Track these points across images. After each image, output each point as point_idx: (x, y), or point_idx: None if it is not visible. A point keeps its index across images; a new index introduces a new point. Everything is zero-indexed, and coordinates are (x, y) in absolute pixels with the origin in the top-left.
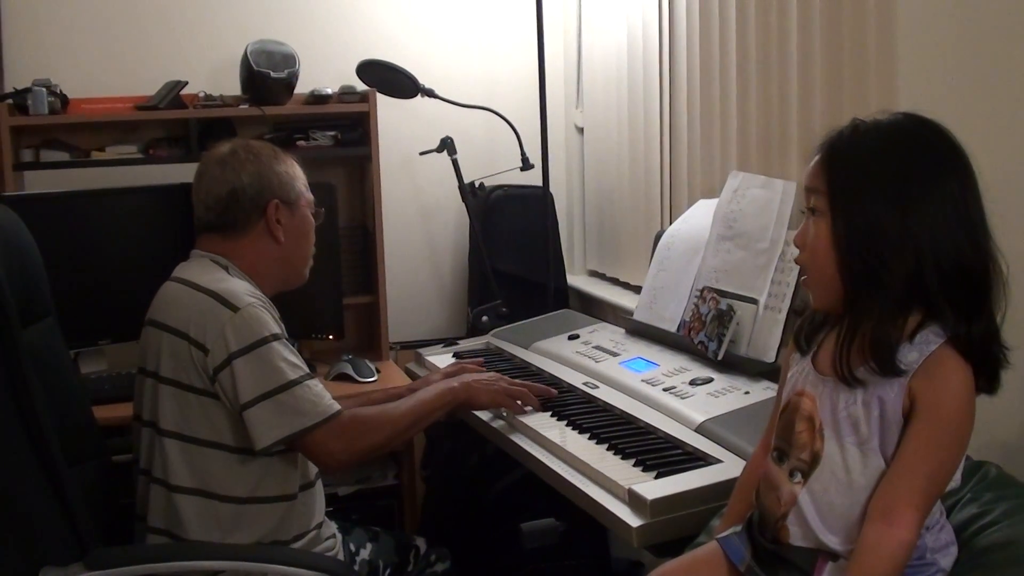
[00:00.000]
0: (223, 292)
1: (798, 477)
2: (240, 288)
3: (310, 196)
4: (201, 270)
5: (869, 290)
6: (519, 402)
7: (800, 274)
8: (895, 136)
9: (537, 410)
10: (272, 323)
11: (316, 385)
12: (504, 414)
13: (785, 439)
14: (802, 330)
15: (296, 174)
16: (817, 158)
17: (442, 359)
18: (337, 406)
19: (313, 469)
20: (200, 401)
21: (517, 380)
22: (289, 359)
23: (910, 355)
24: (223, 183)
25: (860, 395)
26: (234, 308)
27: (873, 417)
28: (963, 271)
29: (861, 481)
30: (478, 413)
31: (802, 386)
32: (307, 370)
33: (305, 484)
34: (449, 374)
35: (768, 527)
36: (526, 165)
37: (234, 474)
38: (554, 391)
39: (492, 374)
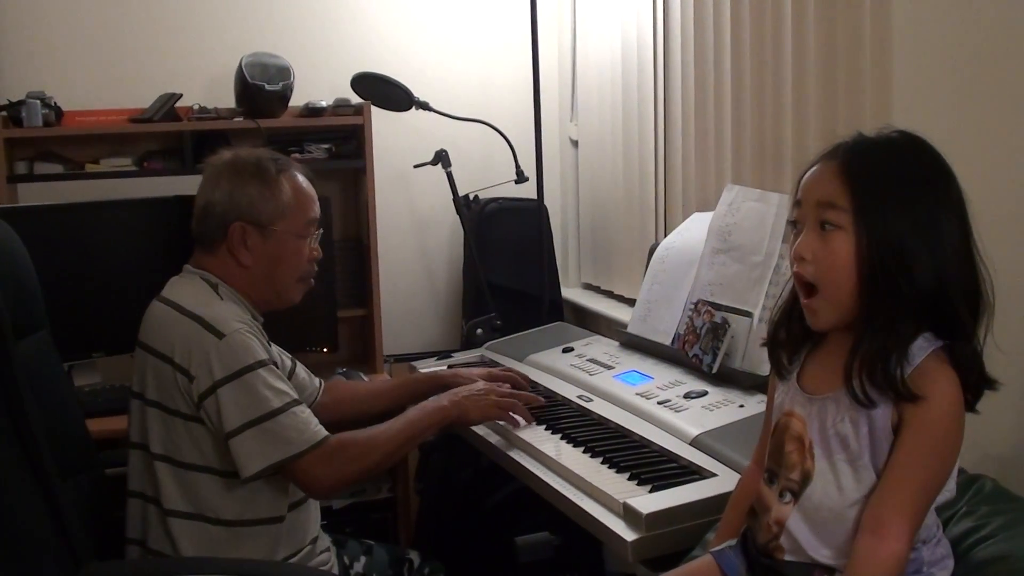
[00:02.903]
0: (209, 317)
1: (788, 498)
2: (228, 312)
3: (301, 218)
4: (190, 290)
5: (890, 307)
6: (511, 413)
7: (805, 293)
8: (911, 152)
9: (530, 423)
10: (259, 349)
11: (303, 411)
12: (502, 424)
13: (776, 460)
14: (778, 358)
15: (277, 195)
16: (830, 170)
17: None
18: (324, 432)
19: None
20: (187, 426)
21: (507, 390)
22: (275, 386)
23: (900, 365)
24: (202, 195)
25: (848, 412)
26: (219, 334)
27: (862, 433)
28: (973, 284)
29: (854, 496)
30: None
31: (790, 406)
32: (294, 396)
33: (294, 503)
34: (496, 376)
35: (761, 545)
36: (521, 178)
37: (223, 498)
38: (542, 399)
39: (480, 385)
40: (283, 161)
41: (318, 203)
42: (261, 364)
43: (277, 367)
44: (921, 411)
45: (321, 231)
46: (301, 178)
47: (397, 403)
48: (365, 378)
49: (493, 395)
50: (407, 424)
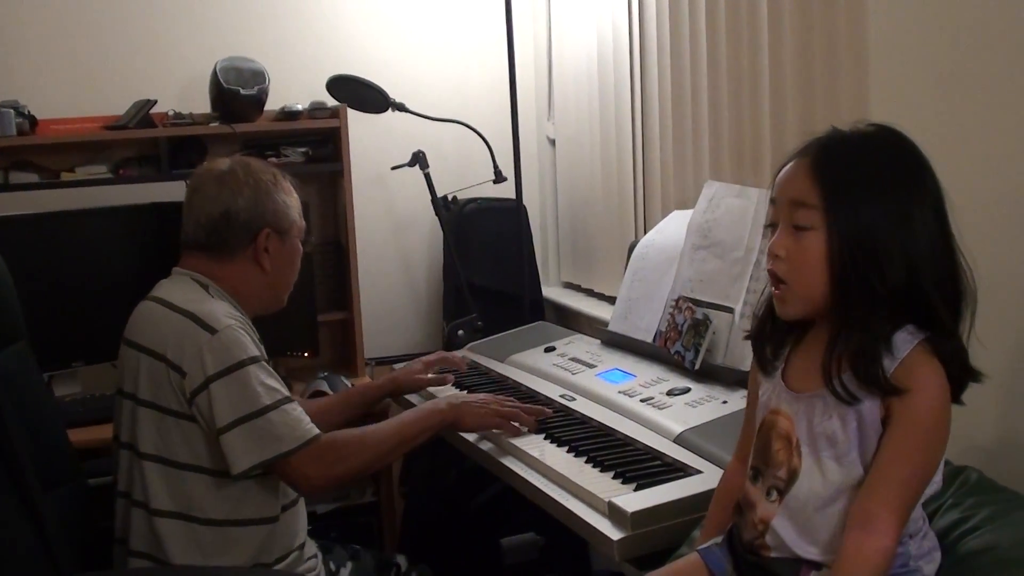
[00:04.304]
0: (201, 313)
1: (774, 495)
2: (219, 309)
3: (302, 224)
4: (180, 289)
5: (863, 304)
6: (513, 423)
7: (775, 284)
8: (883, 145)
9: (532, 430)
10: (251, 345)
11: (294, 409)
12: (495, 432)
13: (762, 458)
14: (762, 353)
15: (292, 202)
16: (801, 168)
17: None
18: (315, 430)
19: None
20: (179, 424)
21: (509, 400)
22: (267, 383)
23: (883, 360)
24: (218, 203)
25: (835, 409)
26: (212, 330)
27: (851, 429)
28: (951, 278)
29: (841, 492)
30: None
31: (776, 404)
32: (286, 393)
33: (287, 504)
34: (429, 363)
35: (746, 542)
36: (499, 178)
37: (214, 497)
38: (548, 411)
39: (485, 395)
40: (283, 172)
41: None
42: (253, 360)
43: (268, 364)
44: (908, 404)
45: (312, 238)
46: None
47: (349, 414)
48: (347, 382)
49: (495, 404)
50: (401, 425)
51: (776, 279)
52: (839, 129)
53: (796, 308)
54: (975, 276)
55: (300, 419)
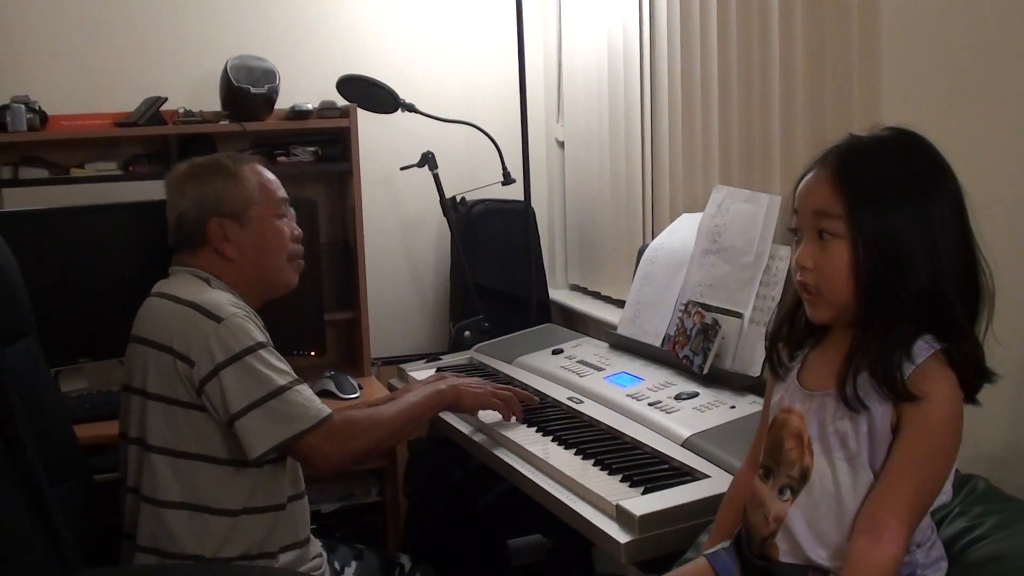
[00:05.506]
0: (205, 303)
1: (787, 495)
2: (222, 299)
3: (273, 198)
4: (182, 283)
5: (887, 310)
6: (505, 405)
7: (805, 291)
8: (902, 150)
9: (520, 420)
10: (257, 332)
11: (306, 390)
12: (485, 422)
13: (773, 457)
14: (776, 355)
15: (241, 182)
16: (823, 177)
17: (425, 375)
18: (328, 410)
19: (302, 480)
20: (188, 414)
21: (502, 385)
22: (277, 366)
23: (903, 365)
24: (172, 208)
25: (848, 410)
26: (217, 319)
27: (862, 432)
28: (970, 277)
29: (851, 496)
30: (460, 427)
31: (789, 403)
32: (295, 375)
33: (294, 495)
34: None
35: (756, 544)
36: (507, 180)
37: (226, 486)
38: (536, 399)
39: (477, 379)
40: (238, 155)
41: (282, 186)
42: (261, 346)
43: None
44: (920, 413)
45: (295, 211)
46: (259, 166)
47: None
48: (353, 382)
49: (490, 386)
50: (408, 405)
51: (806, 288)
52: (857, 135)
53: (827, 313)
54: (994, 276)
55: (312, 399)
